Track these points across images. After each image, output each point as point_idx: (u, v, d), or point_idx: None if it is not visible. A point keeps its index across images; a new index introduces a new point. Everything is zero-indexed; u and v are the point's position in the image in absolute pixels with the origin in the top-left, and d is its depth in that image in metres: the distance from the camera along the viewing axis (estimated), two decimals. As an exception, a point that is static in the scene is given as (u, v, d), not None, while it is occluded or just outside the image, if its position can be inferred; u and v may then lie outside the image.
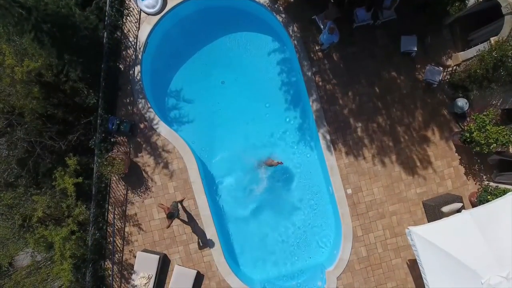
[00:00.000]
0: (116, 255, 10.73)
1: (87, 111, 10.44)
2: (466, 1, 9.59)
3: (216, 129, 11.58)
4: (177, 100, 11.55)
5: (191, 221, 10.83)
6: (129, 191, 10.77)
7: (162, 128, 10.81)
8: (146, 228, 10.80)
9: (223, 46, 11.52)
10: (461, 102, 10.39)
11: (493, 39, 9.20)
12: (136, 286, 10.41)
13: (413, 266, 10.69)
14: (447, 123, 10.95)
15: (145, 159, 10.81)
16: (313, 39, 10.85)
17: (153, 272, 10.38)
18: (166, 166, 10.81)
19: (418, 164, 10.94)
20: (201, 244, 10.82)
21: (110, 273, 10.59)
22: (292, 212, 11.52)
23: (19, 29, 8.07)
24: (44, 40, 8.38)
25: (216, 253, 10.81)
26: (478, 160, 10.92)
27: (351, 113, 10.93)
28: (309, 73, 10.84)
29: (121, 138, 10.73)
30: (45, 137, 9.91)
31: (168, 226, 9.92)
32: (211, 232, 10.80)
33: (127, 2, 10.57)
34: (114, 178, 10.63)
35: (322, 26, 10.51)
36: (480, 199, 10.30)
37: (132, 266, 10.59)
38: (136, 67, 10.73)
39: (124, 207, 10.76)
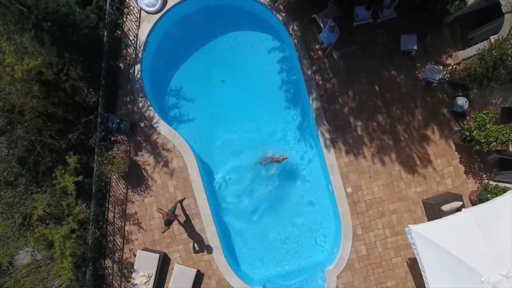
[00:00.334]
0: (116, 254, 10.73)
1: (87, 109, 10.45)
2: (466, 0, 9.60)
3: (216, 128, 11.58)
4: (177, 98, 11.56)
5: (191, 220, 10.83)
6: (129, 190, 10.77)
7: (162, 127, 10.81)
8: (146, 227, 10.81)
9: (223, 45, 11.53)
10: (461, 101, 10.40)
11: (493, 38, 9.22)
12: (136, 285, 10.41)
13: (413, 264, 10.70)
14: (447, 122, 10.96)
15: (145, 158, 10.81)
16: (313, 38, 10.85)
17: (153, 271, 10.37)
18: (166, 164, 10.81)
19: (418, 162, 10.95)
20: (201, 243, 10.81)
21: (110, 271, 10.59)
22: (292, 211, 11.52)
23: (19, 28, 8.06)
24: (44, 39, 8.37)
25: (216, 252, 10.82)
26: (478, 159, 10.93)
27: (351, 112, 10.94)
28: (309, 72, 10.85)
29: (121, 137, 10.73)
30: (45, 136, 9.92)
31: (164, 232, 9.88)
32: (211, 231, 10.80)
33: (127, 0, 10.57)
34: (114, 177, 10.63)
35: (322, 25, 10.53)
36: (480, 198, 10.31)
37: (132, 265, 10.59)
38: (136, 66, 10.73)
39: (124, 205, 10.76)
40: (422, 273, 8.88)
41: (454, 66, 10.67)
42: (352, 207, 10.87)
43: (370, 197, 10.91)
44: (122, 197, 10.74)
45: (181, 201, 10.70)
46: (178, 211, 10.71)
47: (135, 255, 10.59)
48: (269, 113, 11.58)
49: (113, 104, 10.66)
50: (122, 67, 10.70)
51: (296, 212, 11.53)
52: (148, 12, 10.64)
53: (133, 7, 10.62)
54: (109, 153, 10.21)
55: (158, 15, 10.68)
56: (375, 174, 10.92)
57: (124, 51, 10.71)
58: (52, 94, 10.12)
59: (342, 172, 10.87)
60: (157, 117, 10.80)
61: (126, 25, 10.65)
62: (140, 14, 10.68)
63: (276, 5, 10.82)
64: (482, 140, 9.43)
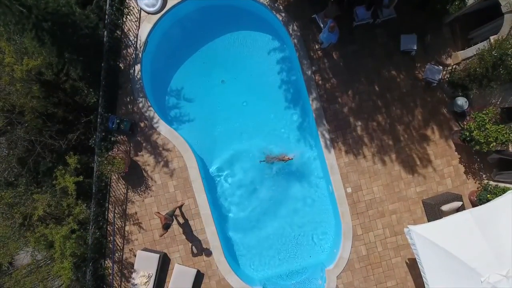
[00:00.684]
0: (116, 254, 10.74)
1: (87, 110, 10.46)
2: (466, 0, 9.60)
3: (215, 128, 11.58)
4: (177, 99, 11.56)
5: (191, 221, 10.84)
6: (129, 190, 10.78)
7: (162, 127, 10.82)
8: (146, 227, 10.81)
9: (223, 45, 11.53)
10: (461, 101, 10.40)
11: (492, 38, 9.22)
12: (136, 285, 10.42)
13: (413, 264, 10.70)
14: (447, 122, 10.97)
15: (145, 158, 10.82)
16: (313, 37, 10.86)
17: (153, 271, 10.38)
18: (166, 165, 10.81)
19: (418, 162, 10.96)
20: (201, 243, 10.82)
21: (110, 272, 10.60)
22: (292, 211, 11.53)
23: (20, 28, 8.06)
24: (44, 39, 8.38)
25: (216, 252, 10.82)
26: (478, 159, 10.94)
27: (351, 112, 10.94)
28: (309, 72, 10.86)
29: (121, 137, 10.73)
30: (45, 136, 9.93)
31: (162, 235, 9.86)
32: (211, 231, 10.81)
33: (127, 1, 10.57)
34: (114, 177, 10.64)
35: (322, 25, 10.53)
36: (479, 198, 10.32)
37: (132, 265, 10.60)
38: (136, 66, 10.73)
39: (124, 206, 10.77)
40: (422, 273, 8.89)
41: (454, 66, 10.67)
42: (352, 207, 10.88)
43: (370, 197, 10.92)
44: (122, 197, 10.75)
45: (180, 207, 10.70)
46: (177, 213, 10.72)
47: (135, 255, 10.59)
48: (269, 113, 11.58)
49: (113, 104, 10.67)
50: (122, 67, 10.71)
51: (296, 212, 11.54)
52: (148, 12, 10.65)
53: (133, 7, 10.62)
54: (109, 153, 10.21)
55: (158, 15, 10.69)
56: (375, 174, 10.92)
57: (124, 51, 10.71)
58: (52, 94, 10.13)
59: (342, 172, 10.88)
60: (157, 117, 10.80)
61: (126, 25, 10.66)
62: (140, 14, 10.68)
63: (276, 5, 10.82)
64: (482, 140, 9.42)
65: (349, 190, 10.87)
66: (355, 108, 10.93)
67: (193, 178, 10.79)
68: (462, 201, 10.40)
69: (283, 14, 10.83)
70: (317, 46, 10.84)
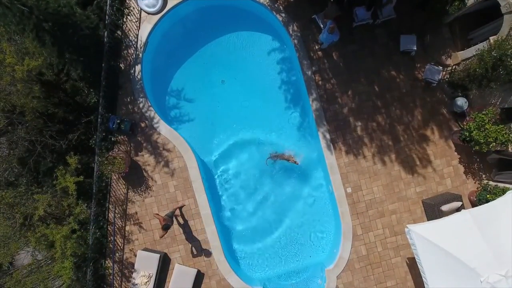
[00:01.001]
0: (117, 254, 10.76)
1: (87, 110, 10.48)
2: (466, 1, 9.62)
3: (216, 128, 11.60)
4: (177, 99, 11.58)
5: (191, 220, 10.86)
6: (129, 190, 10.80)
7: (163, 127, 10.84)
8: (147, 227, 10.83)
9: (223, 45, 11.55)
10: (461, 101, 10.43)
11: (492, 38, 9.24)
12: (136, 285, 10.44)
13: (413, 264, 10.72)
14: (447, 122, 10.99)
15: (145, 158, 10.83)
16: (313, 38, 10.88)
17: (153, 271, 10.40)
18: (166, 165, 10.83)
19: (418, 163, 10.98)
20: (201, 243, 10.84)
21: (111, 271, 10.62)
22: (292, 210, 11.55)
23: (20, 28, 8.09)
24: (45, 39, 8.41)
25: (217, 252, 10.84)
26: (478, 159, 10.97)
27: (351, 112, 10.96)
28: (309, 72, 10.88)
29: (122, 137, 10.75)
30: (45, 136, 9.94)
31: (162, 236, 9.84)
32: (211, 231, 10.83)
33: (127, 1, 10.59)
34: (115, 177, 10.66)
35: (322, 25, 10.55)
36: (479, 198, 10.34)
37: (133, 265, 10.63)
38: (136, 66, 10.75)
39: (124, 206, 10.79)
40: (422, 273, 8.91)
41: (454, 66, 10.69)
42: (352, 207, 10.90)
43: (370, 197, 10.94)
44: (122, 197, 10.77)
45: (180, 208, 10.72)
46: (177, 213, 10.73)
47: (135, 255, 10.61)
48: (269, 113, 11.59)
49: (114, 104, 10.69)
50: (123, 68, 10.73)
51: (296, 211, 11.56)
52: (149, 13, 10.66)
53: (134, 8, 10.64)
54: (110, 153, 10.24)
55: (159, 15, 10.71)
56: (375, 174, 10.95)
57: (124, 52, 10.73)
58: (53, 94, 10.15)
59: (342, 172, 10.90)
60: (157, 117, 10.82)
61: (127, 26, 10.68)
62: (140, 15, 10.70)
63: (276, 5, 10.84)
64: (482, 141, 9.45)
65: (349, 190, 10.89)
66: (355, 108, 10.95)
67: (193, 178, 10.81)
68: (462, 201, 10.42)
69: (283, 15, 10.85)
70: (317, 47, 10.86)
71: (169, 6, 10.71)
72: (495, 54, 8.92)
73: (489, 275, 7.94)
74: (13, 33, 8.72)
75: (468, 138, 9.89)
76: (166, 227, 9.65)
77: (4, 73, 8.90)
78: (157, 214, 10.33)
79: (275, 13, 10.86)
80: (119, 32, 10.57)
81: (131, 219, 10.79)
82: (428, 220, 10.68)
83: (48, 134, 10.00)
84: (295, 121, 11.58)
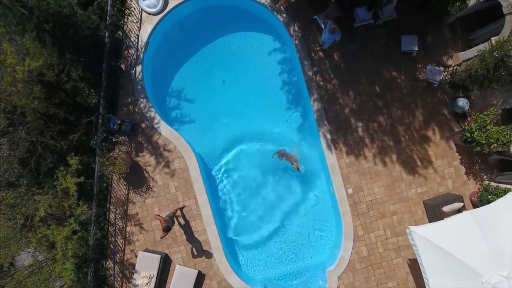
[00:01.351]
0: (118, 255, 10.75)
1: (88, 110, 10.47)
2: (467, 1, 9.60)
3: (216, 128, 11.59)
4: (178, 99, 11.57)
5: (192, 221, 10.84)
6: (130, 191, 10.79)
7: (163, 128, 10.83)
8: (148, 227, 10.82)
9: (224, 45, 11.53)
10: (462, 102, 10.41)
11: (493, 39, 9.22)
12: (137, 285, 10.43)
13: (414, 265, 10.71)
14: (448, 123, 10.98)
15: (146, 159, 10.82)
16: (314, 38, 10.86)
17: (154, 271, 10.39)
18: (167, 165, 10.82)
19: (419, 163, 10.97)
20: (202, 244, 10.83)
21: (112, 272, 10.61)
22: (293, 211, 11.54)
23: (21, 29, 8.07)
24: (45, 40, 8.40)
25: (217, 253, 10.83)
26: (479, 160, 10.95)
27: (352, 113, 10.95)
28: (310, 73, 10.86)
29: (122, 137, 10.74)
30: (46, 137, 9.93)
31: (163, 237, 9.82)
32: (212, 232, 10.82)
33: (128, 2, 10.58)
34: (115, 178, 10.65)
35: (323, 26, 10.53)
36: (480, 199, 10.33)
37: (134, 265, 10.62)
38: (137, 67, 10.74)
39: (125, 206, 10.78)
40: (423, 274, 8.89)
41: (455, 67, 10.66)
42: (353, 208, 10.89)
43: (371, 198, 10.92)
44: (123, 198, 10.76)
45: (181, 209, 10.70)
46: (178, 213, 10.72)
47: (136, 256, 10.61)
48: (270, 113, 11.58)
49: (114, 105, 10.67)
50: (123, 68, 10.72)
51: (297, 212, 11.55)
52: (149, 13, 10.65)
53: (134, 8, 10.63)
54: (110, 154, 10.22)
55: (159, 16, 10.69)
56: (376, 175, 10.93)
57: (125, 52, 10.72)
58: (54, 95, 10.14)
59: (343, 173, 10.89)
60: (158, 118, 10.81)
61: (127, 26, 10.66)
62: (141, 15, 10.69)
63: (277, 6, 10.82)
64: (483, 141, 9.44)
65: (350, 190, 10.88)
66: (356, 109, 10.94)
67: (194, 179, 10.80)
68: (463, 202, 10.40)
69: (284, 15, 10.83)
70: (318, 47, 10.84)
71: (170, 6, 10.69)
72: (497, 55, 8.90)
73: (491, 276, 7.92)
74: (13, 33, 8.70)
75: (469, 139, 9.88)
76: (167, 229, 9.63)
77: (5, 74, 8.89)
78: (158, 215, 10.32)
79: (276, 14, 10.84)
80: (119, 33, 10.55)
81: (132, 220, 10.78)
82: (429, 221, 10.68)
83: (48, 135, 9.99)
84: (296, 122, 11.57)
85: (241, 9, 11.39)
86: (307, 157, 11.52)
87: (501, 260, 8.04)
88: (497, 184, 10.48)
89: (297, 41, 10.84)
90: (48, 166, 10.15)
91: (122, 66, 10.70)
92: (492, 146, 9.44)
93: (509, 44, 8.82)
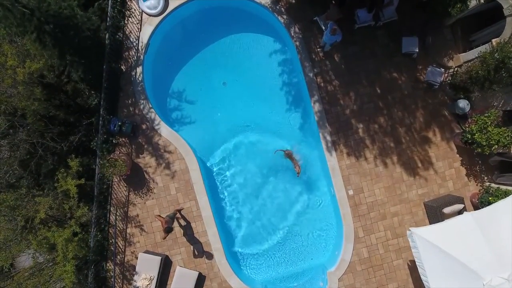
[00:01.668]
0: (118, 256, 10.73)
1: (88, 112, 10.46)
2: (468, 3, 9.60)
3: (217, 130, 11.58)
4: (179, 101, 11.55)
5: (193, 223, 10.83)
6: (130, 192, 10.77)
7: (164, 129, 10.81)
8: (148, 229, 10.81)
9: (224, 47, 11.52)
10: (463, 103, 10.40)
11: (494, 41, 9.22)
12: (138, 287, 10.41)
13: (414, 267, 10.61)
14: (448, 124, 10.97)
15: (146, 160, 10.81)
16: (315, 40, 10.86)
17: (155, 273, 10.38)
18: (167, 167, 10.81)
19: (419, 165, 10.96)
20: (202, 245, 10.82)
21: (112, 274, 10.59)
22: (294, 213, 11.53)
23: (22, 30, 8.07)
24: (46, 41, 8.40)
25: (218, 254, 10.82)
26: (479, 161, 10.94)
27: (353, 114, 10.94)
28: (311, 74, 10.85)
29: (123, 139, 10.73)
30: (47, 139, 9.91)
31: (164, 238, 9.78)
32: (212, 233, 10.80)
33: (128, 3, 10.57)
34: (116, 179, 10.64)
35: (323, 27, 10.53)
36: (481, 200, 10.33)
37: (134, 267, 10.60)
38: (137, 68, 10.73)
39: (126, 208, 10.76)
40: (422, 276, 8.87)
41: (456, 68, 10.65)
42: (353, 209, 10.88)
43: (371, 199, 10.92)
44: (123, 200, 10.74)
45: (179, 211, 10.69)
46: (178, 215, 10.70)
47: (136, 258, 10.59)
48: (270, 115, 11.57)
49: (115, 106, 10.66)
50: (124, 69, 10.71)
51: (298, 214, 11.54)
52: (150, 15, 10.64)
53: (135, 10, 10.62)
54: (111, 155, 10.20)
55: (160, 17, 10.68)
56: (377, 176, 10.92)
57: (125, 53, 10.70)
58: (54, 96, 10.13)
59: (344, 174, 10.88)
60: (158, 119, 10.80)
61: (128, 28, 10.66)
62: (141, 17, 10.68)
63: (278, 7, 10.82)
64: (484, 143, 9.43)
65: (350, 192, 10.87)
66: (357, 110, 10.93)
67: (194, 180, 10.79)
68: (464, 204, 10.40)
69: (284, 16, 10.82)
70: (319, 49, 10.83)
71: (170, 8, 10.68)
72: (498, 57, 8.91)
73: (492, 278, 7.92)
74: (14, 35, 8.69)
75: (470, 141, 9.88)
76: (168, 230, 9.61)
77: (5, 76, 8.88)
78: (159, 216, 10.30)
79: (276, 15, 10.84)
80: (120, 34, 10.55)
81: (133, 222, 10.77)
82: (430, 222, 10.67)
83: (49, 136, 9.98)
84: (296, 123, 11.56)
85: (241, 10, 11.38)
86: (308, 158, 11.51)
87: (502, 262, 8.03)
88: (497, 186, 10.47)
89: (297, 43, 10.83)
90: (49, 168, 10.13)
91: (123, 67, 10.69)
92: (493, 148, 9.43)
93: (510, 45, 8.83)
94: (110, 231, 10.65)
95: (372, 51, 10.89)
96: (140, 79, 10.74)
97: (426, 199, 10.94)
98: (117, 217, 10.68)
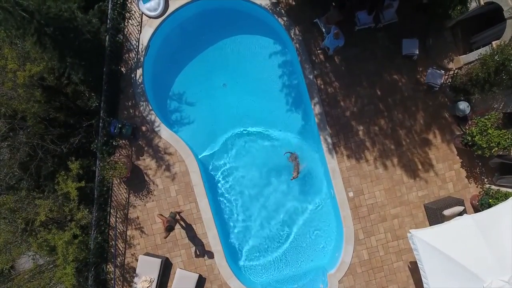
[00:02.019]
0: (118, 259, 10.73)
1: (89, 114, 10.46)
2: (468, 5, 9.60)
3: (217, 132, 11.57)
4: (179, 102, 11.54)
5: (193, 225, 10.82)
6: (131, 195, 10.77)
7: (164, 131, 10.81)
8: (148, 231, 10.80)
9: (224, 48, 11.52)
10: (463, 106, 10.40)
11: (494, 43, 9.22)
12: (138, 289, 10.41)
13: (415, 269, 10.68)
14: (449, 126, 10.97)
15: (147, 162, 10.80)
16: (315, 42, 10.85)
17: (155, 275, 10.38)
18: (168, 169, 10.80)
19: (420, 167, 10.96)
20: (202, 248, 10.81)
21: (112, 276, 10.58)
22: (294, 214, 11.53)
23: (22, 33, 8.07)
24: (46, 44, 8.40)
25: (218, 256, 10.82)
26: (480, 163, 10.94)
27: (353, 116, 10.94)
28: (311, 76, 10.85)
29: (123, 141, 10.72)
30: (47, 141, 9.91)
31: (166, 237, 9.82)
32: (213, 235, 10.80)
33: (129, 5, 10.57)
34: (116, 182, 10.62)
35: (324, 29, 10.53)
36: (481, 202, 10.33)
37: (134, 269, 10.60)
38: (138, 70, 10.72)
39: (126, 210, 10.76)
40: (423, 278, 8.87)
41: (456, 70, 10.65)
42: (353, 211, 10.88)
43: (371, 202, 10.91)
44: (124, 202, 10.74)
45: (179, 213, 10.67)
46: (178, 217, 10.69)
47: (137, 260, 10.58)
48: (270, 117, 11.57)
49: (115, 108, 10.65)
50: (124, 71, 10.70)
51: (298, 215, 11.53)
52: (150, 17, 10.64)
53: (135, 12, 10.62)
54: (111, 158, 10.20)
55: (160, 19, 10.68)
56: (377, 178, 10.92)
57: (125, 56, 10.70)
58: (54, 99, 10.14)
59: (344, 176, 10.88)
60: (158, 121, 10.79)
61: (128, 30, 10.65)
62: (141, 19, 10.68)
63: (278, 9, 10.81)
64: (484, 145, 9.43)
65: (351, 194, 10.87)
66: (357, 112, 10.93)
67: (194, 183, 10.78)
68: (464, 206, 10.40)
69: (284, 18, 10.82)
70: (319, 51, 10.82)
71: (170, 9, 10.68)
72: (498, 59, 8.90)
73: (492, 281, 7.92)
74: (14, 37, 8.68)
75: (470, 143, 9.87)
76: (169, 229, 9.63)
77: (5, 79, 8.87)
78: (161, 215, 10.31)
79: (276, 17, 10.83)
80: (120, 36, 10.54)
81: (133, 224, 10.76)
82: (430, 224, 10.67)
83: (49, 139, 9.97)
84: (296, 125, 11.56)
85: (241, 12, 11.37)
86: (308, 160, 11.50)
87: (503, 264, 8.04)
88: (498, 188, 10.47)
89: (297, 44, 10.83)
90: (49, 170, 10.14)
91: (123, 69, 10.69)
92: (493, 150, 9.43)
93: (510, 48, 8.81)
94: (110, 233, 10.64)
95: (373, 53, 10.89)
96: (140, 81, 10.74)
97: (426, 201, 10.94)
98: (117, 219, 10.67)
